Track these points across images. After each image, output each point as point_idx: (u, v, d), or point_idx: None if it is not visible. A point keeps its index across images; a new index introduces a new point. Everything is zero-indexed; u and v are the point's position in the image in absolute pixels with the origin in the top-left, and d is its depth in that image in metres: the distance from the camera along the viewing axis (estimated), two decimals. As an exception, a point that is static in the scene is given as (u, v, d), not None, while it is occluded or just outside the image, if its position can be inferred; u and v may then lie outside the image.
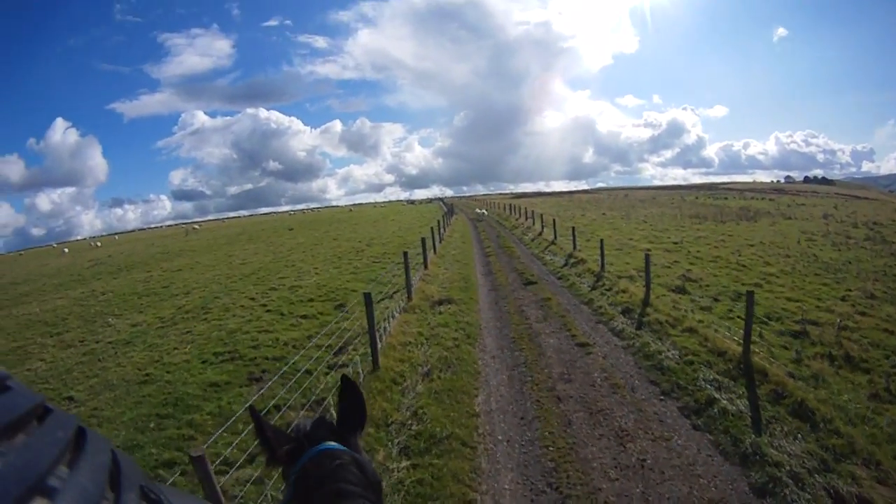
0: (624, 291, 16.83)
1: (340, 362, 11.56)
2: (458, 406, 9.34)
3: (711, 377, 10.08)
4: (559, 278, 21.14)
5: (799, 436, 7.98)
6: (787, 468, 7.17)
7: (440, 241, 33.70)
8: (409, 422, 8.77)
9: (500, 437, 8.39)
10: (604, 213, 61.48)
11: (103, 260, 55.19)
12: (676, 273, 21.10)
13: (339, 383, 1.74)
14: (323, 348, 12.50)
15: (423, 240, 23.72)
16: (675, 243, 30.77)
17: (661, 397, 9.62)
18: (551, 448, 7.99)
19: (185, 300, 23.07)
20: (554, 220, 34.33)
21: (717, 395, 9.29)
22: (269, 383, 10.14)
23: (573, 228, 27.98)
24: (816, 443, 7.77)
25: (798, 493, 6.71)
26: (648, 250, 26.11)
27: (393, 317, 14.49)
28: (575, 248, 26.47)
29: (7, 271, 64.05)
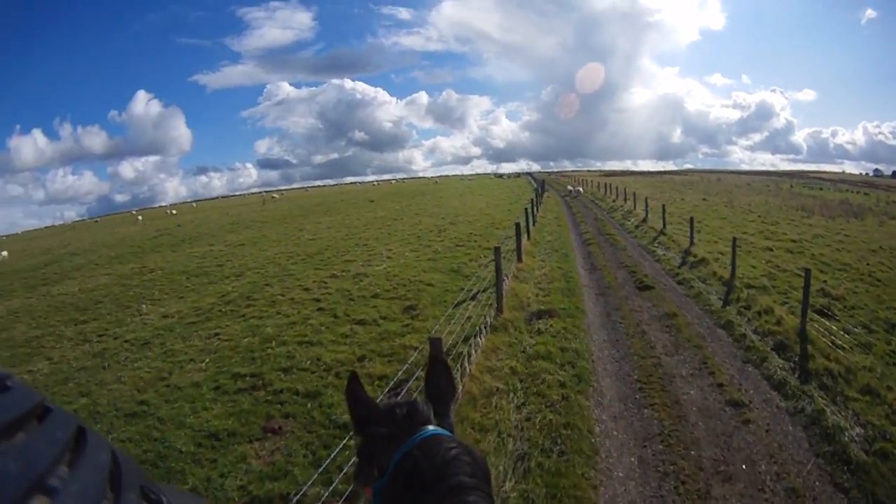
0: (767, 313, 13.40)
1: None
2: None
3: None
4: (679, 283, 17.66)
5: None
6: None
7: (534, 224, 29.55)
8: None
9: None
10: (704, 199, 56.02)
11: (171, 230, 53.84)
12: (812, 287, 17.47)
13: (429, 361, 1.59)
14: (374, 382, 9.64)
15: (517, 225, 20.07)
16: (794, 241, 26.83)
17: (858, 520, 6.47)
18: None
19: (233, 285, 20.66)
20: (664, 207, 29.62)
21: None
22: (287, 437, 8.28)
23: (691, 219, 23.82)
24: None
25: None
26: (771, 249, 23.29)
27: (477, 337, 11.15)
28: (692, 242, 22.74)
29: (75, 240, 64.63)
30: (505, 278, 14.94)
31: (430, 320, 12.71)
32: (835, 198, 64.94)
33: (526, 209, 27.78)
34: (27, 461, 0.58)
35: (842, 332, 12.81)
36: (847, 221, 37.91)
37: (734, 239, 17.85)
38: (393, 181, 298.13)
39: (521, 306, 14.09)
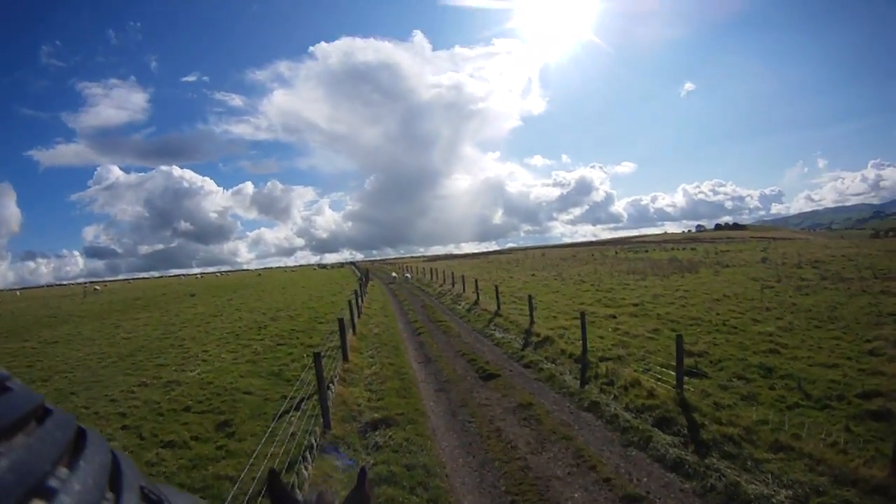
0: (634, 386, 12.00)
1: None
2: None
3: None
4: (526, 367, 15.72)
5: None
6: None
7: (359, 316, 27.23)
8: None
9: None
10: (533, 275, 56.08)
11: (-11, 323, 48.70)
12: (670, 348, 16.36)
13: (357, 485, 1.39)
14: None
15: (340, 321, 17.12)
16: (636, 305, 26.12)
17: None
18: None
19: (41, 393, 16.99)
20: (496, 288, 27.91)
21: None
22: None
23: (530, 297, 22.31)
24: None
25: None
26: (615, 316, 22.59)
27: (304, 463, 8.82)
28: (532, 321, 20.90)
29: None
30: (331, 385, 12.89)
31: (248, 439, 10.51)
32: (662, 257, 68.03)
33: (350, 301, 25.15)
34: (27, 462, 0.57)
35: (715, 387, 12.23)
36: (682, 277, 38.81)
37: (582, 314, 16.32)
38: (217, 274, 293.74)
39: (352, 416, 11.84)
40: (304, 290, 60.04)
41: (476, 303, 30.22)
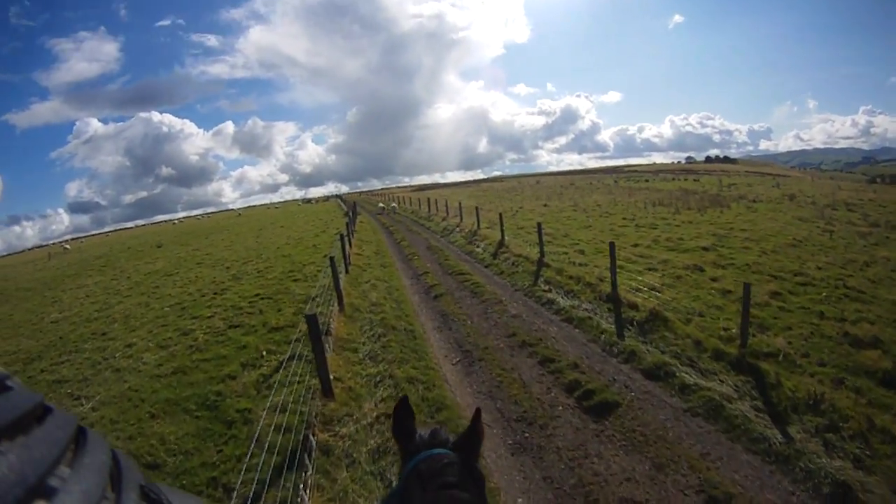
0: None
1: None
2: None
3: None
4: (650, 376, 9.18)
5: None
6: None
7: (347, 271, 20.13)
8: None
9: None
10: (545, 205, 48.46)
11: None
12: (823, 328, 11.13)
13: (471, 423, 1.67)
14: None
15: (310, 321, 8.70)
16: (706, 250, 19.94)
17: None
18: None
19: None
20: (539, 226, 20.03)
21: None
22: None
23: (612, 245, 14.18)
24: None
25: None
26: (702, 268, 16.70)
27: None
28: (614, 284, 13.61)
29: None
30: (301, 472, 6.66)
31: None
32: (671, 188, 64.13)
33: (332, 258, 15.98)
34: (28, 462, 0.57)
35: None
36: (720, 213, 33.44)
37: (746, 287, 9.50)
38: (200, 216, 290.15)
39: None
40: (283, 231, 52.52)
41: (502, 244, 22.88)
